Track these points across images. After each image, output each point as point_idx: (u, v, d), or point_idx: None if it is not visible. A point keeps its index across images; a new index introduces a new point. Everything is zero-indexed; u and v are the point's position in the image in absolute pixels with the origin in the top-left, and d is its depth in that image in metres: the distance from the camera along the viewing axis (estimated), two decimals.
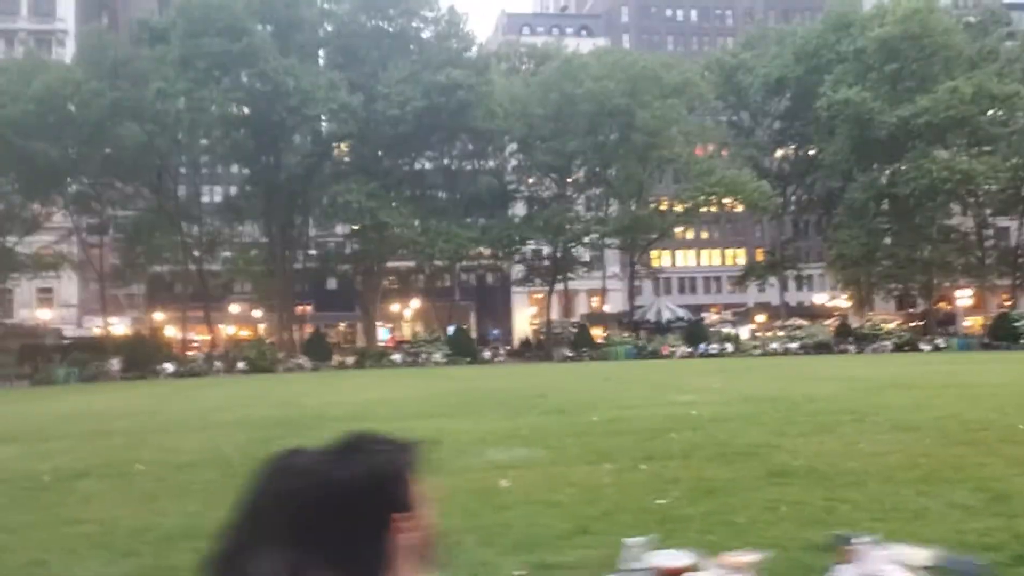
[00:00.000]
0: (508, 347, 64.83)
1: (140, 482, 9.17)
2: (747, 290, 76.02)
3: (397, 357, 52.10)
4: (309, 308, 68.31)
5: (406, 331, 75.24)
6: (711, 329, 60.19)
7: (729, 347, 51.71)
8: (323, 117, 52.99)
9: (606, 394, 18.51)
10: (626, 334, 60.28)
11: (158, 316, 66.57)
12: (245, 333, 69.97)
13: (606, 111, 52.59)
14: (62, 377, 46.03)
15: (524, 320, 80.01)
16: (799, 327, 56.50)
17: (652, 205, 62.09)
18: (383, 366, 51.07)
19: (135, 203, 61.73)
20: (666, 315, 61.23)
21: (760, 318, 69.90)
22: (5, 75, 50.09)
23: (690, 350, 52.62)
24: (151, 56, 51.06)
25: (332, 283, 73.00)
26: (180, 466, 10.10)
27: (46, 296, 70.61)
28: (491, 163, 65.60)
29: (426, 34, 58.25)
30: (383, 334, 71.35)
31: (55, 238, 62.04)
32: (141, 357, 52.04)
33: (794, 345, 51.55)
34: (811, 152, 61.77)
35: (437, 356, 51.53)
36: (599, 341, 57.36)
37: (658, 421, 12.82)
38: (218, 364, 50.13)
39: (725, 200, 56.94)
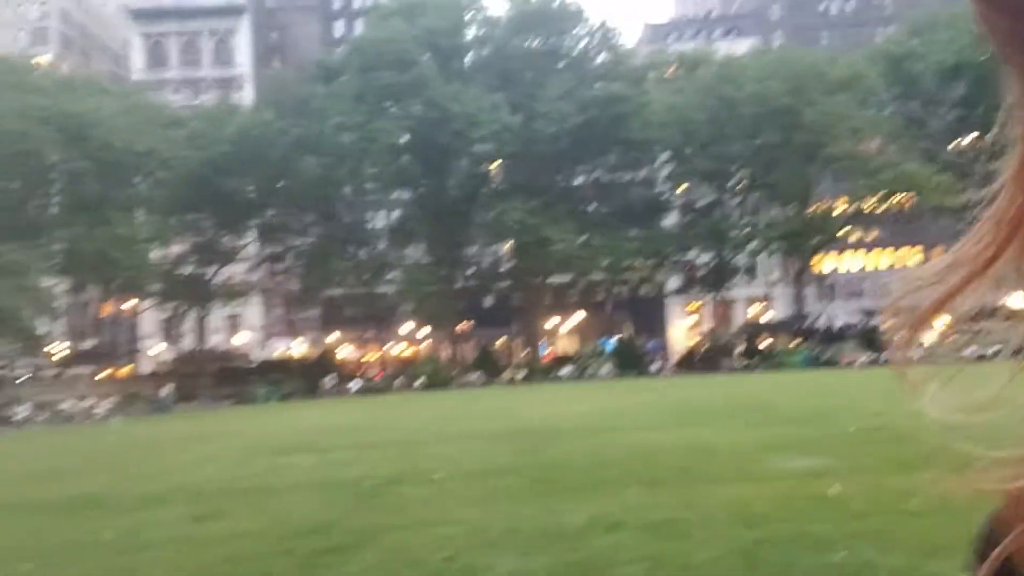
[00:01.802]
0: (664, 359, 64.02)
1: (451, 487, 9.87)
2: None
3: (565, 371, 52.60)
4: (469, 326, 70.29)
5: (561, 346, 75.97)
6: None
7: (916, 353, 48.62)
8: (485, 139, 54.47)
9: (835, 403, 18.01)
10: (794, 343, 58.17)
11: (333, 338, 70.53)
12: (410, 352, 72.90)
13: (769, 112, 51.22)
14: (262, 396, 49.48)
15: (681, 331, 78.82)
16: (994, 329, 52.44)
17: (818, 207, 59.77)
18: (551, 380, 51.74)
19: (311, 232, 65.82)
20: (839, 322, 58.52)
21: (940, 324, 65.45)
22: (202, 120, 54.82)
23: (872, 358, 50.00)
24: (327, 93, 54.42)
25: (488, 300, 74.85)
26: (471, 474, 10.79)
27: (234, 322, 76.64)
28: (643, 174, 65.35)
29: (578, 51, 59.00)
30: (540, 349, 72.20)
31: (243, 268, 67.26)
32: (322, 377, 55.22)
33: (992, 350, 47.85)
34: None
35: (605, 370, 51.62)
36: (768, 351, 55.61)
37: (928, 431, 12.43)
38: (398, 382, 52.34)
39: (901, 197, 53.98)
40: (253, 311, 74.91)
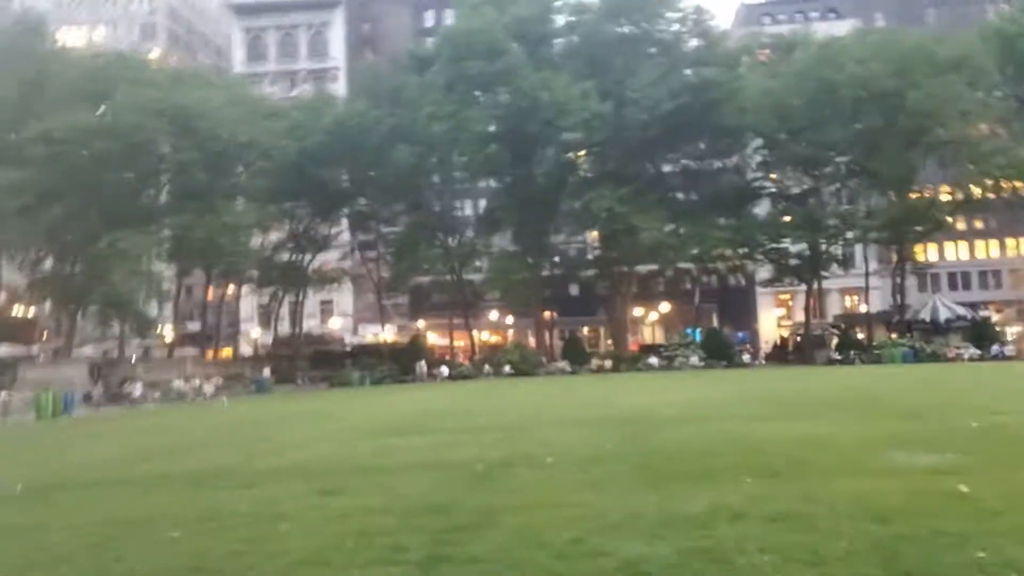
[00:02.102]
0: (753, 351, 62.66)
1: (563, 472, 10.01)
2: None
3: (654, 361, 52.18)
4: (554, 314, 70.43)
5: (646, 335, 75.27)
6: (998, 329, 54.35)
7: None
8: (574, 127, 54.22)
9: (948, 398, 17.40)
10: (894, 335, 56.01)
11: (421, 324, 71.89)
12: (495, 339, 73.65)
13: (871, 95, 49.33)
14: (356, 380, 50.92)
15: (770, 322, 76.95)
16: None
17: (921, 194, 57.35)
18: (639, 369, 51.43)
19: (400, 220, 67.11)
20: (943, 314, 56.09)
21: None
22: (300, 111, 56.55)
23: (979, 352, 47.83)
24: (418, 83, 55.28)
25: (574, 289, 74.75)
26: (581, 460, 10.90)
27: (327, 307, 79.07)
28: (734, 161, 63.95)
29: (669, 35, 58.06)
30: (621, 339, 71.62)
31: (336, 255, 69.23)
32: (415, 362, 56.34)
33: None
34: None
35: (693, 360, 50.97)
36: (866, 344, 53.75)
37: None
38: (487, 368, 53.01)
39: (1015, 183, 51.20)
40: (344, 297, 77.18)
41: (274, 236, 62.10)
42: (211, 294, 64.18)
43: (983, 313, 64.03)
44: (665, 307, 66.66)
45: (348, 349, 67.24)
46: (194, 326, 67.63)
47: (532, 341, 66.04)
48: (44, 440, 20.77)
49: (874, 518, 6.80)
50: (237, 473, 11.28)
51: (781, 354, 56.49)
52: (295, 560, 6.33)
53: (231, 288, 66.73)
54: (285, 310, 66.45)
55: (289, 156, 53.17)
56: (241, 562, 6.43)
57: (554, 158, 59.62)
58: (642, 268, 64.36)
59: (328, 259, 66.95)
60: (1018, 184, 51.33)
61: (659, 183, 61.05)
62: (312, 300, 71.11)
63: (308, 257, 63.09)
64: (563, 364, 52.71)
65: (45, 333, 57.23)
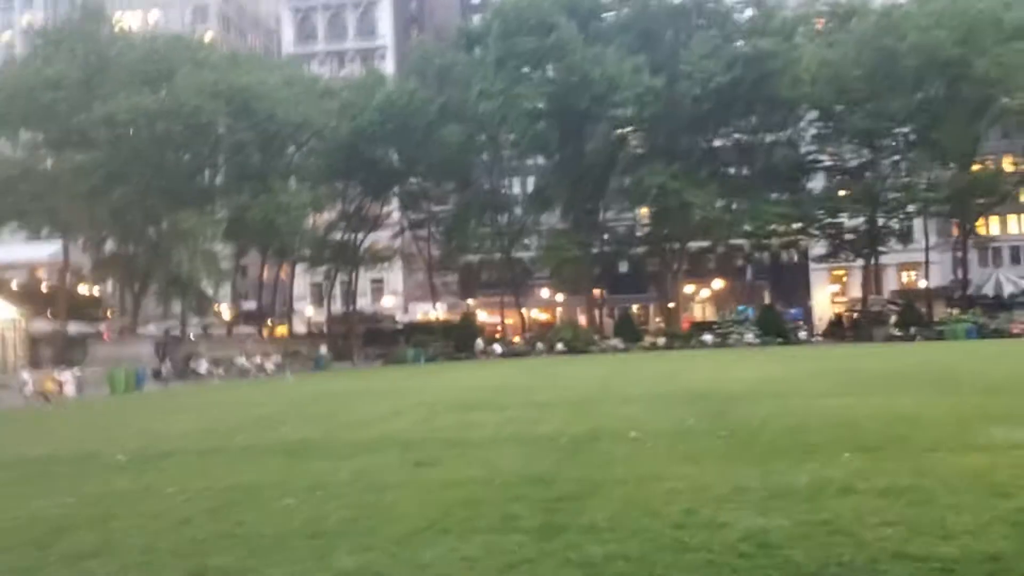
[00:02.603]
0: (808, 327, 61.65)
1: (651, 446, 10.03)
2: None
3: (708, 338, 51.76)
4: (603, 292, 70.11)
5: (696, 312, 74.53)
6: None
7: None
8: (625, 102, 53.51)
9: None
10: (955, 311, 54.61)
11: (471, 302, 72.23)
12: (546, 317, 73.69)
13: (934, 64, 47.84)
14: (411, 357, 51.47)
15: (824, 298, 75.54)
16: None
17: (985, 165, 55.59)
18: (692, 347, 51.05)
19: (450, 199, 67.28)
20: (1008, 289, 54.52)
21: None
22: (352, 90, 56.86)
23: None
24: (469, 61, 55.13)
25: (623, 267, 74.27)
26: (665, 434, 10.92)
27: (378, 286, 79.83)
28: (788, 134, 62.62)
29: (722, 6, 56.94)
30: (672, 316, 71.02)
31: (387, 234, 69.75)
32: (467, 339, 56.73)
33: None
34: None
35: (749, 336, 50.42)
36: (927, 320, 52.52)
37: None
38: (540, 345, 53.15)
39: None
40: (395, 276, 77.82)
41: (327, 216, 62.78)
42: (266, 273, 65.30)
43: None
44: (717, 284, 65.86)
45: (400, 327, 67.90)
46: (250, 305, 68.94)
47: (582, 319, 66.00)
48: (127, 413, 21.47)
49: (993, 492, 6.69)
50: (328, 445, 11.53)
51: (838, 331, 55.48)
52: (414, 527, 6.45)
53: (285, 267, 67.80)
54: (338, 289, 67.32)
55: (341, 136, 53.57)
56: (359, 527, 6.59)
57: (604, 134, 59.13)
58: (693, 245, 63.63)
59: (379, 238, 67.52)
60: None
61: (711, 158, 60.19)
62: (363, 279, 71.85)
63: (360, 236, 63.70)
64: (615, 342, 52.59)
65: (111, 311, 58.86)
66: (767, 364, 25.34)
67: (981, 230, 66.42)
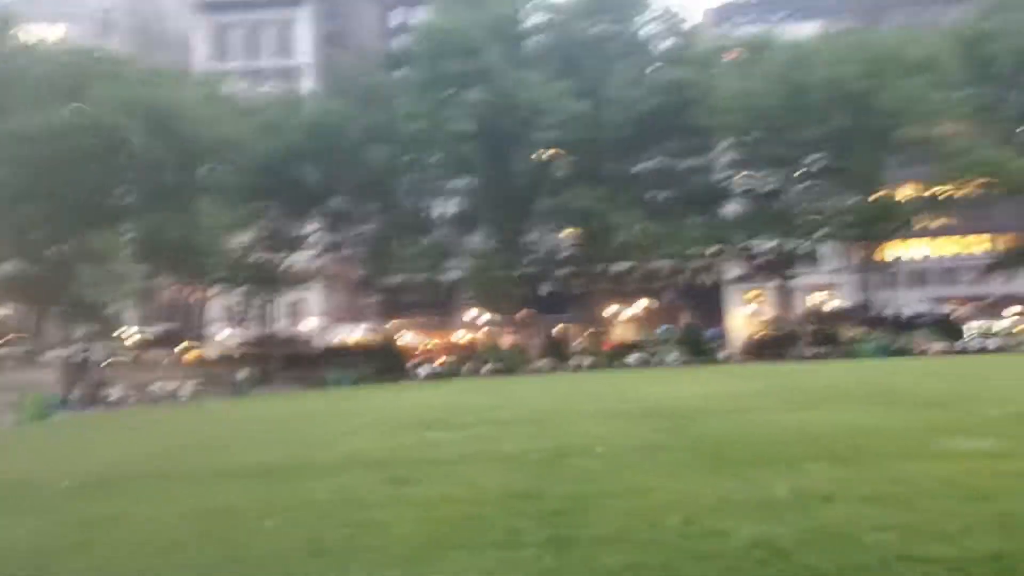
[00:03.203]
0: (726, 347, 63.48)
1: (622, 461, 10.12)
2: (992, 281, 69.92)
3: (633, 358, 52.65)
4: (527, 312, 70.52)
5: (618, 333, 75.76)
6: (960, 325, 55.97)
7: (992, 343, 47.82)
8: (552, 126, 54.33)
9: (955, 388, 17.92)
10: (860, 331, 57.27)
11: (395, 324, 71.47)
12: (469, 338, 73.51)
13: (843, 96, 50.42)
14: (335, 380, 50.45)
15: (739, 319, 78.09)
16: None
17: (888, 192, 58.71)
18: (618, 367, 51.78)
19: (373, 220, 66.61)
20: (910, 310, 57.53)
21: (1013, 311, 64.13)
22: (274, 109, 55.86)
23: (945, 346, 49.20)
24: (395, 82, 55.00)
25: (545, 288, 74.93)
26: (632, 449, 11.05)
27: (295, 308, 78.06)
28: (706, 160, 64.71)
29: (644, 36, 58.64)
30: (595, 337, 71.98)
31: (307, 256, 68.42)
32: (391, 362, 56.06)
33: None
34: None
35: (674, 356, 51.55)
36: (838, 339, 54.89)
37: None
38: (467, 367, 52.95)
39: (973, 183, 52.67)
40: (313, 298, 76.28)
41: (245, 236, 61.22)
42: (178, 295, 63.10)
43: (944, 309, 65.88)
44: (639, 305, 67.22)
45: (320, 350, 66.58)
46: (161, 327, 66.40)
47: (506, 340, 66.16)
48: (54, 441, 20.23)
49: (971, 497, 7.01)
50: (291, 467, 11.16)
51: (757, 350, 57.32)
52: (418, 544, 6.32)
53: (197, 290, 65.63)
54: (255, 311, 65.56)
55: (263, 155, 52.52)
56: (361, 543, 6.41)
57: (530, 157, 59.76)
58: (615, 267, 64.81)
59: (299, 259, 66.19)
60: (980, 183, 52.76)
61: (633, 182, 61.51)
62: (282, 301, 70.21)
63: (280, 257, 62.33)
64: (545, 362, 52.87)
65: (12, 336, 55.64)
66: (706, 382, 25.91)
67: (879, 255, 70.12)
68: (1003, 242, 74.19)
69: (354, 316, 68.18)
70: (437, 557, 5.90)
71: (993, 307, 67.67)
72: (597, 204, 52.82)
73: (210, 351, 71.29)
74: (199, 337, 69.54)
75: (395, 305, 74.21)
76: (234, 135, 49.48)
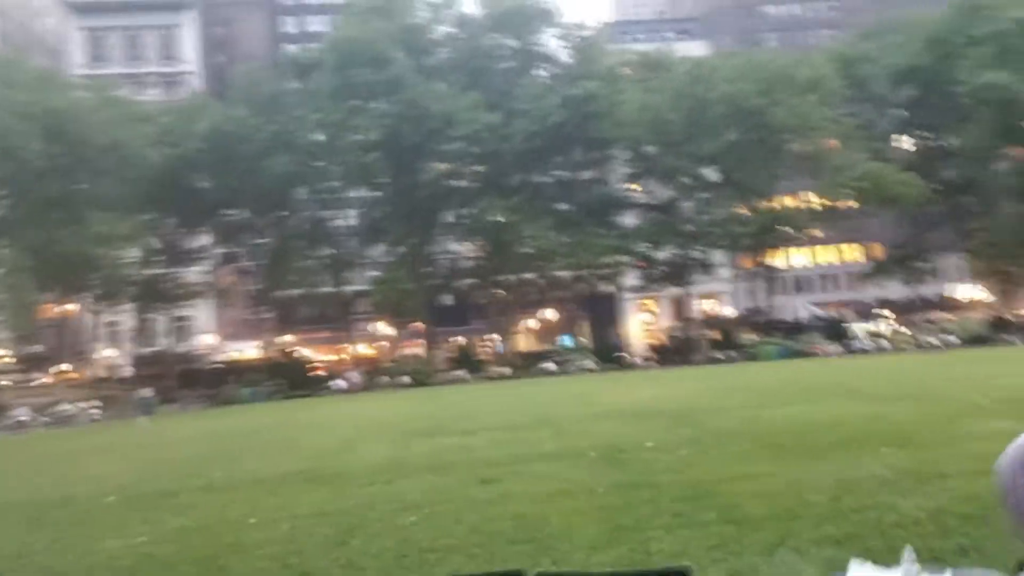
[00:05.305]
0: (625, 354, 65.26)
1: (685, 453, 10.28)
2: (866, 287, 75.41)
3: (550, 366, 53.27)
4: (430, 323, 70.12)
5: (520, 342, 76.52)
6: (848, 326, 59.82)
7: (883, 344, 51.48)
8: (462, 137, 54.40)
9: (914, 384, 19.12)
10: (754, 336, 60.25)
11: (293, 337, 69.31)
12: (371, 351, 72.23)
13: (740, 112, 53.05)
14: (247, 397, 48.37)
15: (637, 327, 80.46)
16: (948, 320, 55.82)
17: (779, 204, 62.11)
18: (532, 375, 52.26)
19: (273, 231, 64.44)
20: (802, 314, 60.98)
21: (885, 314, 69.05)
22: (171, 115, 53.19)
23: (840, 348, 52.49)
24: (302, 90, 53.59)
25: (448, 299, 74.74)
26: (681, 443, 11.21)
27: (185, 323, 74.27)
28: (610, 171, 66.46)
29: (550, 49, 59.74)
30: (498, 347, 72.50)
31: (200, 268, 65.34)
32: (299, 377, 54.33)
33: (952, 338, 50.97)
34: (941, 141, 61.04)
35: (588, 363, 52.51)
36: (739, 343, 57.50)
37: None
38: (384, 379, 52.02)
39: (852, 195, 56.48)
40: (203, 312, 72.87)
41: (136, 249, 57.85)
42: (60, 312, 58.90)
43: (821, 312, 70.26)
44: (543, 315, 68.14)
45: (222, 366, 63.73)
46: (37, 347, 61.66)
47: (410, 351, 65.58)
48: (18, 461, 18.30)
49: None
50: (336, 473, 10.61)
51: (663, 356, 59.22)
52: (587, 534, 6.23)
53: (79, 306, 61.41)
54: (145, 327, 62.12)
55: (157, 163, 49.98)
56: (524, 535, 6.26)
57: (440, 168, 59.58)
58: (511, 277, 65.45)
59: (192, 272, 63.12)
60: (857, 195, 56.59)
61: (539, 193, 62.39)
62: (170, 316, 66.69)
63: (172, 270, 59.29)
64: (461, 372, 52.63)
65: None
66: (652, 386, 26.41)
67: (767, 262, 74.01)
68: (874, 251, 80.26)
69: (248, 330, 65.56)
70: (619, 541, 5.86)
71: (868, 311, 72.85)
72: (510, 215, 53.20)
73: (97, 370, 66.89)
74: (81, 356, 65.04)
75: (292, 319, 72.00)
76: (128, 142, 46.80)
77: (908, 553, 2.45)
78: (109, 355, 66.58)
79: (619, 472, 9.00)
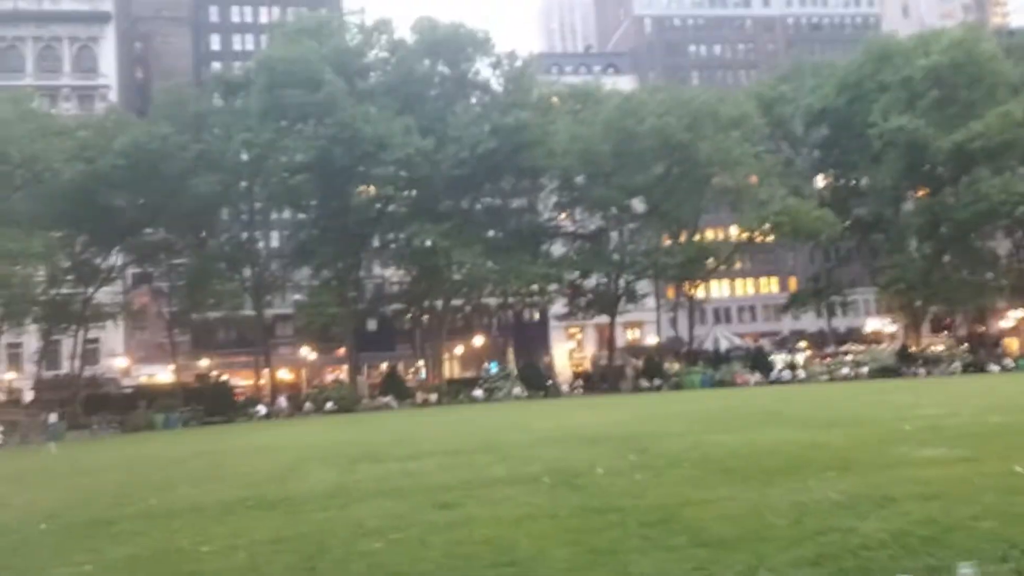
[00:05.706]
0: (552, 381, 65.60)
1: (640, 478, 10.32)
2: (782, 319, 78.13)
3: (478, 392, 52.99)
4: (354, 349, 69.05)
5: (446, 369, 76.07)
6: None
7: (801, 374, 53.24)
8: (394, 162, 53.99)
9: (839, 413, 19.75)
10: (677, 365, 61.48)
11: (210, 361, 67.14)
12: (291, 377, 70.58)
13: (667, 145, 54.45)
14: (162, 423, 46.44)
15: (562, 354, 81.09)
16: (860, 352, 58.18)
17: (703, 236, 63.83)
18: (461, 402, 51.89)
19: (194, 251, 62.43)
20: (724, 344, 62.55)
21: (801, 345, 71.52)
22: (88, 130, 51.20)
23: (760, 378, 53.96)
24: (230, 109, 52.43)
25: (373, 324, 73.80)
26: (634, 468, 11.27)
27: (93, 346, 70.73)
28: (539, 200, 67.05)
29: (483, 78, 60.15)
30: (421, 373, 71.91)
31: (113, 289, 62.57)
32: (219, 402, 52.51)
33: (863, 369, 53.05)
34: (853, 180, 64.01)
35: (517, 390, 52.50)
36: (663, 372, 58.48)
37: (972, 427, 14.19)
38: (308, 405, 50.80)
39: (785, 228, 58.22)
40: (112, 335, 69.79)
41: (45, 268, 55.09)
42: None
43: (740, 343, 72.28)
44: (472, 342, 67.93)
45: (131, 391, 61.07)
46: None
47: (332, 377, 64.40)
48: None
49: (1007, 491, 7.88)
50: (284, 499, 10.19)
51: (591, 383, 59.71)
52: (568, 555, 6.14)
53: None
54: (51, 349, 59.13)
55: (73, 179, 47.93)
56: (501, 558, 6.14)
57: (368, 191, 58.99)
58: (442, 303, 65.24)
59: (101, 292, 60.43)
60: (775, 229, 58.60)
61: (469, 219, 62.38)
62: (76, 339, 63.62)
63: (82, 290, 56.64)
64: (388, 399, 51.82)
65: None
66: (587, 413, 26.47)
67: (693, 293, 75.80)
68: (790, 284, 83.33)
69: (162, 354, 63.14)
70: (601, 564, 5.81)
71: (784, 342, 75.38)
72: (441, 240, 53.00)
73: None
74: None
75: (209, 342, 69.79)
76: (42, 156, 44.79)
77: (963, 568, 2.45)
78: (11, 378, 63.08)
79: (578, 497, 8.95)
